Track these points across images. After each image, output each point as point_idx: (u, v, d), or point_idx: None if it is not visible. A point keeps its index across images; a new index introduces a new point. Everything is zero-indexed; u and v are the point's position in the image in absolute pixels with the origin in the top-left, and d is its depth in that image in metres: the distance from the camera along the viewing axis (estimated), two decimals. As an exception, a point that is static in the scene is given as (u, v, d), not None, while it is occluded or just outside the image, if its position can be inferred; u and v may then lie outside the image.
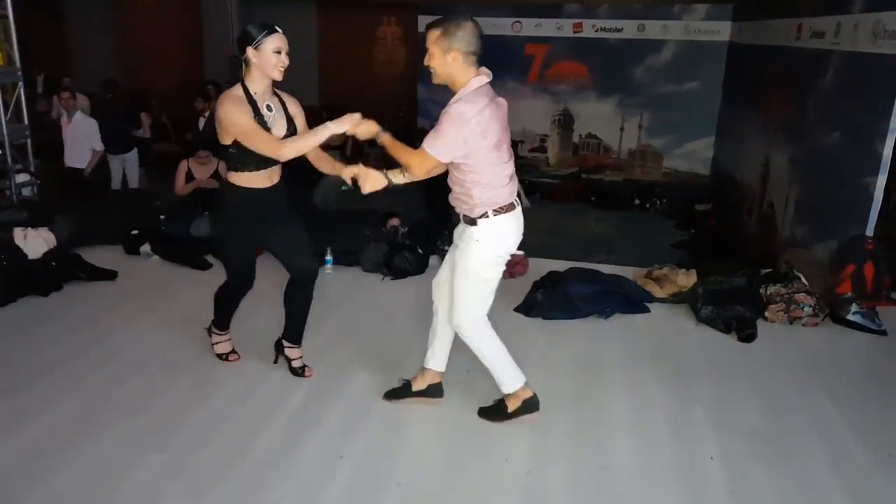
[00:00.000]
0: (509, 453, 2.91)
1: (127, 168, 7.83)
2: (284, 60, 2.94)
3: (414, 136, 2.80)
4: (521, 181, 3.25)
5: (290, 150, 2.94)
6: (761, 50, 8.31)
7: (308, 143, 2.97)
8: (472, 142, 2.69)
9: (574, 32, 10.56)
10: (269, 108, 3.02)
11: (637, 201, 10.05)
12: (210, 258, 5.04)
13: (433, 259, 5.15)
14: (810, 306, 4.27)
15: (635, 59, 10.49)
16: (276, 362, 3.57)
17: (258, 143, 2.92)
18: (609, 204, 9.97)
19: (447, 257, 3.11)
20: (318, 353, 3.69)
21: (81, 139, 7.23)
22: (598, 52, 10.56)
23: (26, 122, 6.80)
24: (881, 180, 4.76)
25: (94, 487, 2.62)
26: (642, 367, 3.68)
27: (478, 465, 2.82)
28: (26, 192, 6.72)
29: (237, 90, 2.97)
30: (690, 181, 10.50)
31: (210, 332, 3.65)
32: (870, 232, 4.81)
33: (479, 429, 3.08)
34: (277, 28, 2.93)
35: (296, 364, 3.48)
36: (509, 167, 2.85)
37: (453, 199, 2.91)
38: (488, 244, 2.85)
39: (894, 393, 3.56)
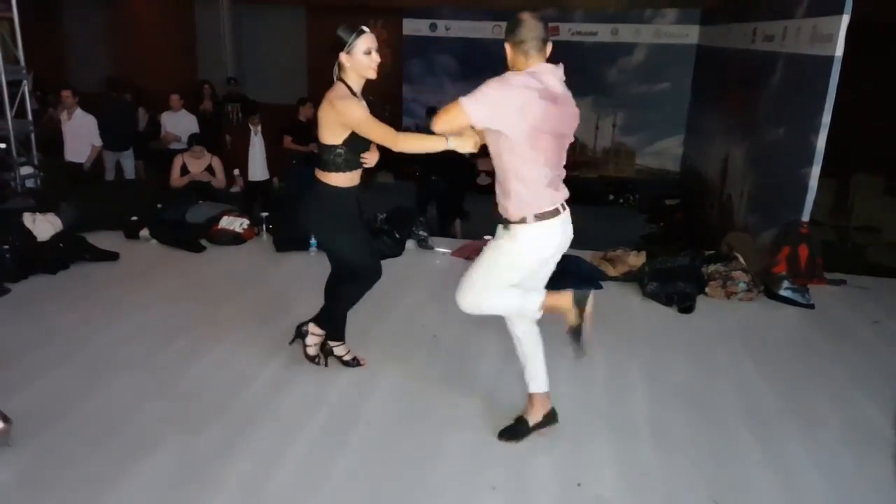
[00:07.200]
0: (460, 423, 3.35)
1: (123, 163, 8.26)
2: (376, 59, 3.00)
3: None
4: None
5: (405, 143, 3.00)
6: (724, 52, 8.81)
7: (424, 145, 3.03)
8: (506, 112, 2.58)
9: (551, 36, 10.99)
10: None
11: (611, 197, 10.52)
12: (204, 241, 5.48)
13: (410, 243, 5.61)
14: (745, 283, 4.73)
15: (609, 62, 11.02)
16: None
17: (378, 131, 2.98)
18: (584, 199, 10.39)
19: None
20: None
21: (81, 135, 7.63)
22: (574, 54, 11.03)
23: (30, 117, 7.21)
24: (815, 170, 5.24)
25: (106, 422, 3.04)
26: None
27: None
28: (30, 183, 7.11)
29: (341, 89, 3.02)
30: (661, 177, 11.02)
31: (306, 334, 3.58)
32: (805, 217, 5.28)
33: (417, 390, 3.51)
34: (365, 28, 3.01)
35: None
36: (548, 172, 2.72)
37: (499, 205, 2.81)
38: (526, 248, 2.80)
39: (812, 356, 4.02)
